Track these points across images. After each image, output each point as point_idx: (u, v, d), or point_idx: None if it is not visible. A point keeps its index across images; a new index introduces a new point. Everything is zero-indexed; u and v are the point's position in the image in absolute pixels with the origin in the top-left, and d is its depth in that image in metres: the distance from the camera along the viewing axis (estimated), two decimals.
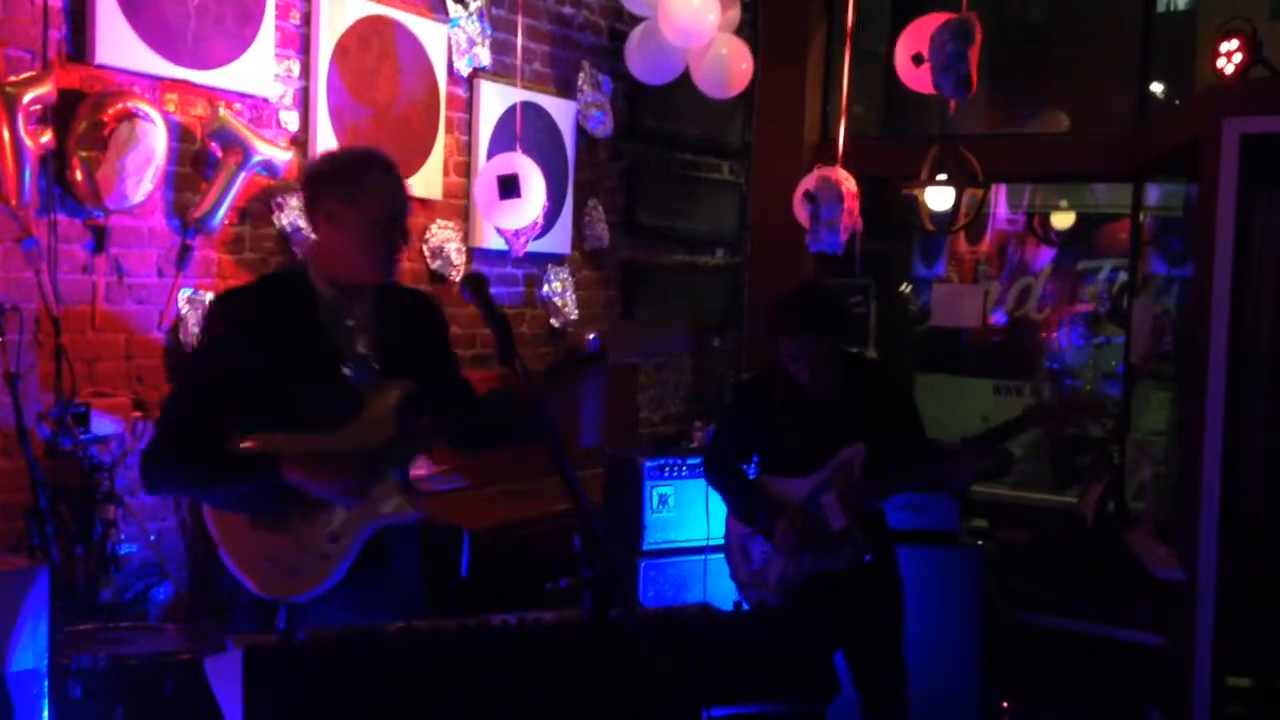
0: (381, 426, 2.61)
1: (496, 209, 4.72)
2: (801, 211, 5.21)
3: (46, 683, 2.75)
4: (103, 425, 3.53)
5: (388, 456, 2.61)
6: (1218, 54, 4.30)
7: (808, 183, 5.19)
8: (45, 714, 2.74)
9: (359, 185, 2.62)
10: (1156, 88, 6.11)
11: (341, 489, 2.54)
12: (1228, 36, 4.28)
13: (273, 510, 2.57)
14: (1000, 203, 7.90)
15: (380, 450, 2.60)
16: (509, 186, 4.58)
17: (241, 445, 2.57)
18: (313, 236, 2.76)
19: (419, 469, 4.25)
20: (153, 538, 3.69)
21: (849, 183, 5.10)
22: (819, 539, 3.47)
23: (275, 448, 2.56)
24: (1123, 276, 6.87)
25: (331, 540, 2.59)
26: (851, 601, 3.50)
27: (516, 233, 4.89)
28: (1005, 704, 4.72)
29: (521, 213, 4.73)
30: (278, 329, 2.61)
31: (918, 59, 4.55)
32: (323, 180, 2.67)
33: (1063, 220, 7.92)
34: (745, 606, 3.63)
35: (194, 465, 2.58)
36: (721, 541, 4.39)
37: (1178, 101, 6.14)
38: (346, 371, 2.64)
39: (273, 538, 2.59)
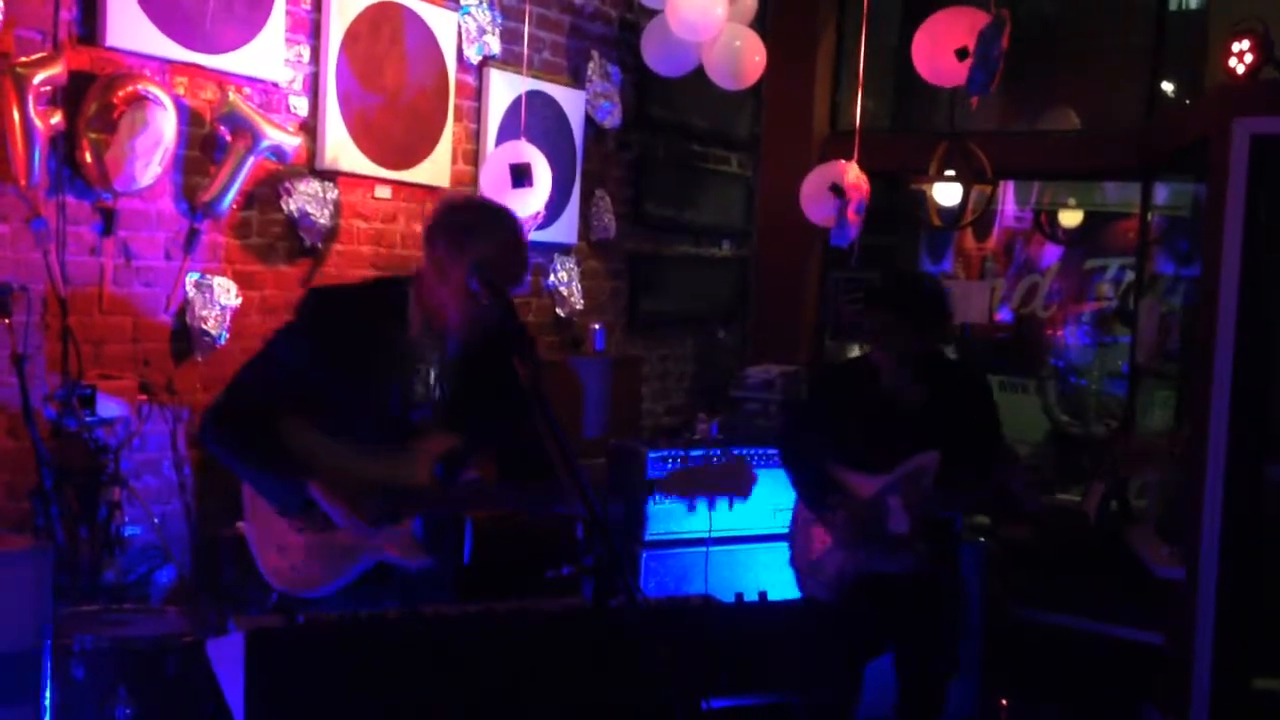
0: (417, 470, 2.60)
1: (503, 197, 4.72)
2: (816, 205, 5.21)
3: (49, 662, 2.77)
4: (109, 407, 3.54)
5: (412, 500, 2.60)
6: (1229, 54, 4.29)
7: (828, 175, 5.18)
8: (47, 693, 2.76)
9: (468, 252, 2.51)
10: (1167, 87, 6.09)
11: (352, 520, 2.54)
12: (1239, 36, 4.27)
13: (291, 510, 2.60)
14: (1008, 199, 7.89)
15: (406, 491, 2.59)
16: (521, 175, 4.58)
17: (283, 438, 2.59)
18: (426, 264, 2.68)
19: None
20: (156, 520, 3.70)
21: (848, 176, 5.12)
22: (877, 538, 3.43)
23: (309, 450, 2.58)
24: (1129, 275, 6.85)
25: (338, 555, 2.62)
26: (907, 603, 3.47)
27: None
28: (1004, 701, 4.72)
29: (528, 202, 4.73)
30: (361, 342, 2.60)
31: (962, 53, 4.53)
32: (444, 230, 2.59)
33: (1070, 218, 7.90)
34: (800, 595, 3.60)
35: (237, 437, 2.62)
36: (723, 533, 4.42)
37: (1188, 101, 6.12)
38: (406, 406, 2.62)
39: (288, 531, 2.63)
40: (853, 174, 5.11)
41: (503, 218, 2.61)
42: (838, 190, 4.98)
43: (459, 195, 2.90)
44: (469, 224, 2.56)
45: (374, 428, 2.61)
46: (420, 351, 2.63)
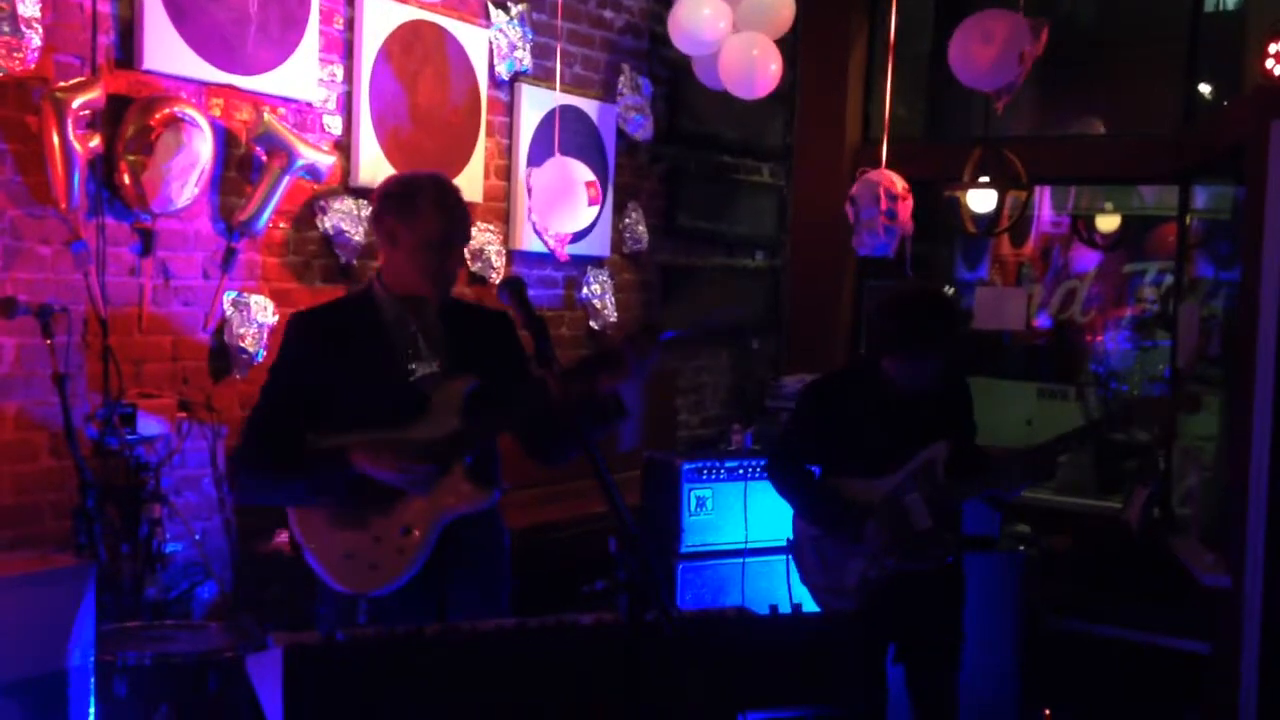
0: (447, 419, 2.69)
1: (552, 213, 4.77)
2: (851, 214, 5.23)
3: (93, 679, 2.80)
4: (149, 426, 3.59)
5: (453, 446, 2.68)
6: (1266, 55, 4.24)
7: (874, 183, 5.19)
8: (92, 710, 2.79)
9: (415, 206, 2.74)
10: (1204, 89, 6.03)
11: (406, 472, 2.62)
12: (1276, 37, 4.22)
13: (348, 503, 2.66)
14: (1044, 205, 7.82)
15: (445, 441, 2.67)
16: (592, 191, 4.68)
17: (313, 443, 2.68)
18: (379, 254, 2.90)
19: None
20: (198, 537, 3.74)
21: (895, 185, 5.08)
22: (905, 539, 3.44)
23: (341, 444, 2.66)
24: (1169, 279, 6.78)
25: (404, 533, 2.68)
26: (925, 601, 3.49)
27: (558, 238, 4.94)
28: (1047, 711, 4.67)
29: (578, 217, 4.79)
30: (344, 342, 2.75)
31: (1023, 56, 4.55)
32: (385, 201, 2.81)
33: (1108, 223, 7.82)
34: (818, 610, 3.59)
35: (271, 466, 2.71)
36: (759, 544, 4.41)
37: (1225, 103, 6.05)
38: (412, 368, 2.74)
39: (351, 534, 2.68)
40: (867, 181, 5.10)
41: (433, 176, 2.88)
42: (850, 200, 4.99)
43: (395, 174, 3.14)
44: (406, 189, 2.79)
45: (393, 408, 2.71)
46: (404, 329, 2.77)
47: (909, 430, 3.45)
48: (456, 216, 2.79)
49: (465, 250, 2.89)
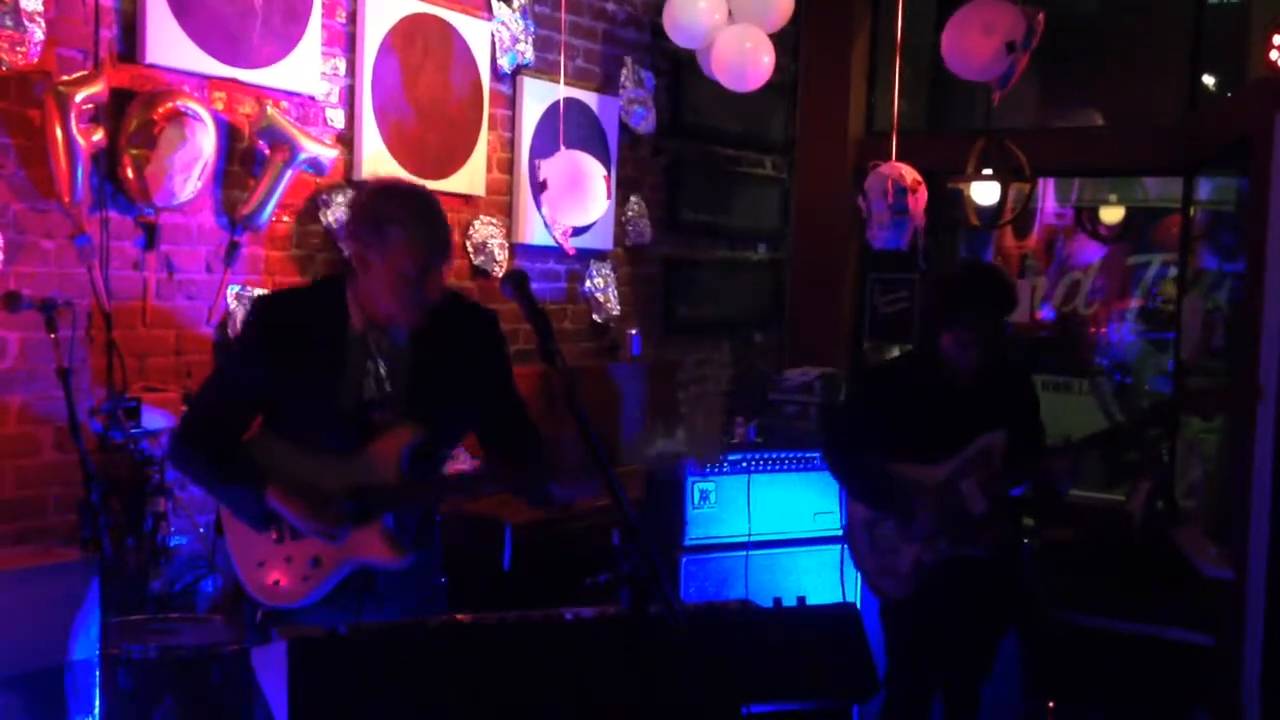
0: (382, 467, 2.58)
1: (566, 206, 4.77)
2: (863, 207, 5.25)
3: (98, 672, 2.81)
4: (153, 419, 3.59)
5: (380, 500, 2.58)
6: (1270, 46, 4.23)
7: (888, 175, 5.19)
8: (96, 702, 2.80)
9: (386, 237, 2.51)
10: (1208, 81, 6.02)
11: (315, 528, 2.54)
12: None
13: (259, 522, 2.60)
14: (1048, 197, 7.80)
15: (373, 491, 2.58)
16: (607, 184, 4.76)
17: (244, 447, 2.61)
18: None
19: (460, 465, 4.27)
20: (201, 530, 3.75)
21: (906, 177, 5.06)
22: (958, 524, 3.43)
23: (275, 462, 2.58)
24: (1173, 272, 6.77)
25: (313, 564, 2.61)
26: (982, 588, 3.48)
27: (563, 231, 4.94)
28: (1050, 704, 4.67)
29: (590, 210, 4.79)
30: (305, 343, 2.59)
31: (1011, 46, 4.53)
32: (356, 225, 2.59)
33: (1112, 215, 7.81)
34: (872, 597, 3.60)
35: (201, 456, 2.62)
36: (763, 537, 4.41)
37: (1229, 95, 6.04)
38: (362, 403, 2.60)
39: (266, 544, 2.63)
40: (878, 174, 5.09)
41: (413, 196, 2.58)
42: (862, 194, 4.99)
43: (371, 183, 2.88)
44: (377, 218, 2.53)
45: (335, 430, 2.59)
46: (367, 346, 2.61)
47: (966, 418, 3.44)
48: (434, 242, 2.53)
49: (452, 260, 2.64)
